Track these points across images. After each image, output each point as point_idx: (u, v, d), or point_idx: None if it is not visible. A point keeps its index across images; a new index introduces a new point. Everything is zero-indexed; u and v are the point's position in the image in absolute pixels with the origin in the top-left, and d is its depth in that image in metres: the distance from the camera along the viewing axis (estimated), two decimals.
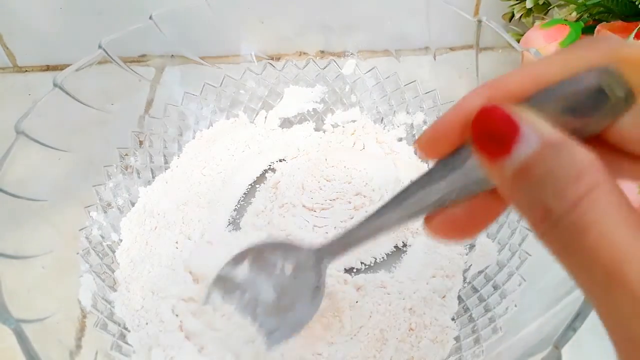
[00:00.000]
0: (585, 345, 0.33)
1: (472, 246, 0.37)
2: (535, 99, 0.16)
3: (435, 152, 0.18)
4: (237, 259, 0.28)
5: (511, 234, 0.35)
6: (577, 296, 0.24)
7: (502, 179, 0.15)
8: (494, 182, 0.16)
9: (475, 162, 0.17)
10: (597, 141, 0.16)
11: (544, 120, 0.15)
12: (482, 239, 0.36)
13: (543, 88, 0.16)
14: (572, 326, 0.23)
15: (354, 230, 0.23)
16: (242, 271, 0.28)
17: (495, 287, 0.33)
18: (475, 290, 0.34)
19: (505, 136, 0.15)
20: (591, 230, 0.13)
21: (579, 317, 0.23)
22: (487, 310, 0.32)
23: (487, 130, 0.15)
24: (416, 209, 0.19)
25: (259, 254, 0.28)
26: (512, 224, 0.35)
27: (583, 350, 0.32)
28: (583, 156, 0.14)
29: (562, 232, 0.13)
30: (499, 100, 0.16)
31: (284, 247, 0.27)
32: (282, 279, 0.27)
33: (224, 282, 0.28)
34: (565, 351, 0.22)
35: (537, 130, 0.14)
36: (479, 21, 0.37)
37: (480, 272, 0.35)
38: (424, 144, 0.18)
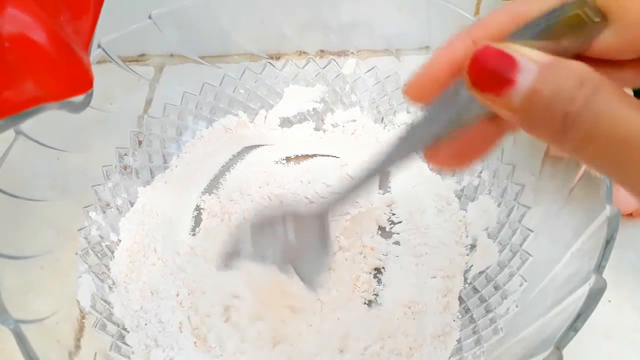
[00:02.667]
0: (586, 346, 0.32)
1: (472, 247, 0.37)
2: (517, 34, 0.17)
3: (423, 97, 0.20)
4: (238, 233, 0.28)
5: (512, 235, 0.34)
6: (579, 296, 0.24)
7: (511, 109, 0.16)
8: (502, 115, 0.17)
9: (465, 99, 0.18)
10: (582, 59, 0.17)
11: (533, 49, 0.16)
12: (482, 239, 0.36)
13: (523, 24, 0.18)
14: (574, 327, 0.23)
15: (353, 182, 0.23)
16: (245, 245, 0.28)
17: (496, 288, 0.33)
18: (476, 290, 0.34)
19: (505, 71, 0.16)
20: (603, 116, 0.15)
21: (580, 318, 0.23)
22: (488, 311, 0.32)
23: (485, 71, 0.17)
24: (412, 150, 0.21)
25: (259, 225, 0.28)
26: (513, 224, 0.35)
27: (584, 351, 0.32)
28: (579, 67, 0.16)
29: (579, 129, 0.16)
30: (483, 41, 0.17)
31: (281, 214, 0.28)
32: (287, 243, 0.28)
33: (229, 258, 0.29)
34: (567, 352, 0.22)
35: (530, 57, 0.16)
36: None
37: (481, 273, 0.35)
38: (414, 92, 0.20)
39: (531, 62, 0.16)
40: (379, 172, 0.22)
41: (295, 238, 0.27)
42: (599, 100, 0.15)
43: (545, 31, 0.17)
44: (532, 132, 0.17)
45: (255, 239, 0.28)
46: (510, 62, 0.16)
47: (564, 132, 0.16)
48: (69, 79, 0.22)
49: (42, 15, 0.19)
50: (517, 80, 0.16)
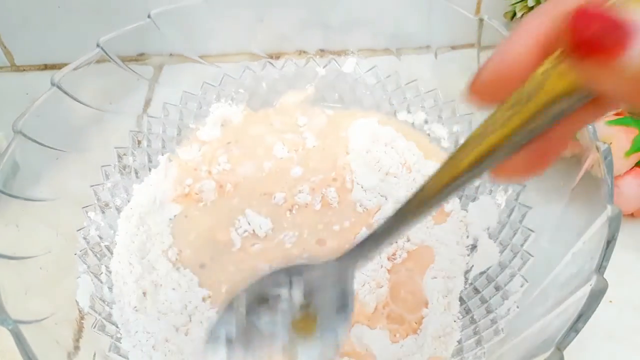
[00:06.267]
0: (587, 347, 0.32)
1: (473, 247, 0.37)
2: None
3: (496, 96, 0.16)
4: (228, 310, 0.23)
5: (513, 235, 0.34)
6: (580, 297, 0.24)
7: (622, 77, 0.13)
8: (604, 87, 0.14)
9: (553, 91, 0.15)
10: None
11: None
12: (483, 240, 0.36)
13: None
14: (575, 327, 0.22)
15: (388, 223, 0.20)
16: (239, 322, 0.23)
17: (497, 288, 0.33)
18: (477, 291, 0.34)
19: (619, 30, 0.13)
20: None
21: (581, 318, 0.23)
22: (489, 311, 0.32)
23: (593, 30, 0.13)
24: (480, 173, 0.17)
25: (255, 293, 0.23)
26: (514, 224, 0.35)
27: (585, 351, 0.32)
28: None
29: None
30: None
31: (288, 272, 0.23)
32: (294, 311, 0.22)
33: (219, 342, 0.23)
34: (568, 352, 0.22)
35: None
36: (481, 20, 0.37)
37: (482, 273, 0.35)
38: (484, 89, 0.16)
39: None
40: (427, 209, 0.19)
41: (307, 299, 0.22)
42: None
43: None
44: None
45: (253, 311, 0.23)
46: (622, 22, 0.13)
47: None
48: None
49: None
50: (633, 42, 0.13)
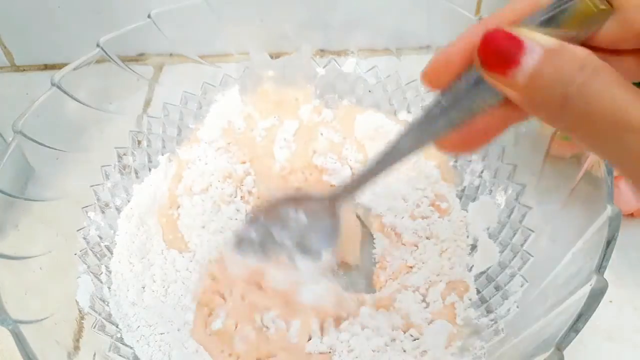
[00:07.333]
0: (587, 347, 0.32)
1: (473, 247, 0.37)
2: (529, 20, 0.19)
3: (440, 83, 0.21)
4: (251, 219, 0.31)
5: (513, 235, 0.34)
6: (580, 297, 0.24)
7: (515, 88, 0.18)
8: (506, 94, 0.18)
9: (476, 88, 0.19)
10: (586, 47, 0.18)
11: (540, 33, 0.17)
12: (483, 240, 0.36)
13: (535, 11, 0.19)
14: (575, 327, 0.22)
15: (366, 170, 0.25)
16: (257, 229, 0.31)
17: (497, 288, 0.33)
18: (476, 291, 0.34)
19: (512, 52, 0.17)
20: (599, 97, 0.16)
21: (581, 319, 0.23)
22: (489, 311, 0.32)
23: (493, 51, 0.18)
24: (427, 140, 0.22)
25: (271, 210, 0.31)
26: (514, 224, 0.35)
27: (585, 351, 0.32)
28: (582, 52, 0.17)
29: (575, 108, 0.17)
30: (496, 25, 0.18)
31: (295, 200, 0.30)
32: (299, 228, 0.30)
33: (240, 242, 0.31)
34: (568, 353, 0.22)
35: (537, 41, 0.17)
36: (481, 19, 0.37)
37: (482, 273, 0.35)
38: (430, 77, 0.21)
39: (537, 45, 0.17)
40: (394, 162, 0.24)
41: (306, 220, 0.30)
42: (597, 82, 0.16)
43: (555, 18, 0.18)
44: (533, 111, 0.18)
45: (267, 221, 0.30)
46: (517, 43, 0.17)
47: (562, 112, 0.17)
48: None
49: None
50: (522, 61, 0.17)
